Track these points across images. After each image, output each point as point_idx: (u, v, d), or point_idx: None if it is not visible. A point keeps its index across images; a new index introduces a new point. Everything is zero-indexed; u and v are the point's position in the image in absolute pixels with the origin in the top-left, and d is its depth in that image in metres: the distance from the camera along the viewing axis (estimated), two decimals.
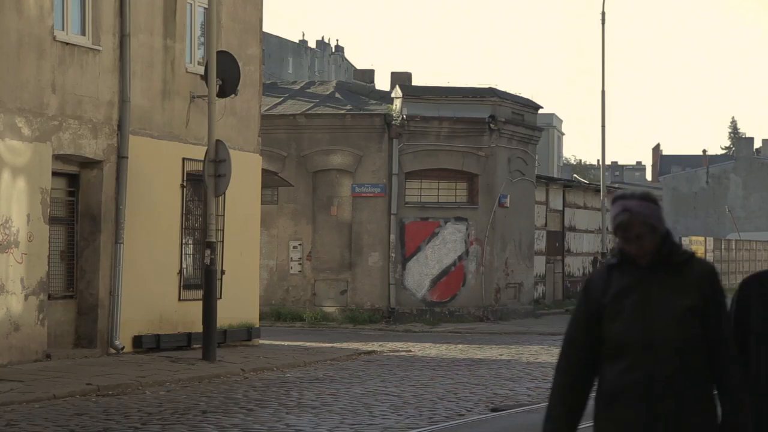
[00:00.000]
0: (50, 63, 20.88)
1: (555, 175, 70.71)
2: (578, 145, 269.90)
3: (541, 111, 39.85)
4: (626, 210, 5.56)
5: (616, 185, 70.89)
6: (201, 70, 23.72)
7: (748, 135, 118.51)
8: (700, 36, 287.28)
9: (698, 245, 59.86)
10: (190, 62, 24.56)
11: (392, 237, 34.57)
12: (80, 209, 22.19)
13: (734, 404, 5.60)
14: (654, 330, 5.51)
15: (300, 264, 35.15)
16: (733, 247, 65.76)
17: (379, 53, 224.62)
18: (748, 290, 6.85)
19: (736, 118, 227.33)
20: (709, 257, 60.72)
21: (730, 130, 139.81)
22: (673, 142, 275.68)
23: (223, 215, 24.78)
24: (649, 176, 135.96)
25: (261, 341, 26.39)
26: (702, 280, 5.59)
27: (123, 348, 22.02)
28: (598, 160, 53.24)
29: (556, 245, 43.45)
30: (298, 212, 35.13)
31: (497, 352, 26.26)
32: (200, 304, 22.02)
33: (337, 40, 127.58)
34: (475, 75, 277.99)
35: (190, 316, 23.33)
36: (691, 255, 5.66)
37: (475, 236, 35.08)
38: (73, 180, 22.18)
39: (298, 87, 38.59)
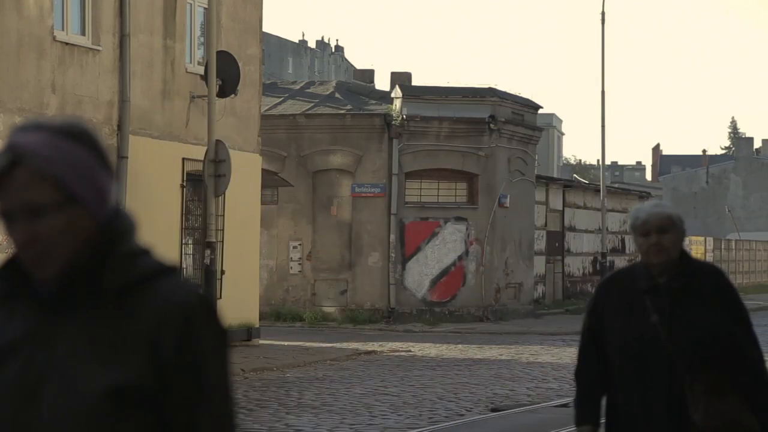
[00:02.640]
0: (50, 63, 20.88)
1: (555, 175, 70.73)
2: (578, 145, 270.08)
3: (541, 111, 39.84)
4: (12, 148, 2.60)
5: (616, 185, 70.91)
6: (201, 70, 23.73)
7: (748, 135, 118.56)
8: (700, 36, 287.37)
9: (698, 245, 59.90)
10: (190, 62, 24.56)
11: (392, 237, 34.57)
12: None
13: None
14: None
15: (300, 264, 35.15)
16: (733, 247, 65.77)
17: (379, 53, 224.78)
18: (604, 296, 5.79)
19: (736, 118, 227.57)
20: (709, 257, 60.76)
21: (730, 130, 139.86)
22: (673, 142, 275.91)
23: (223, 215, 24.79)
24: (649, 176, 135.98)
25: (261, 341, 26.39)
26: (163, 326, 2.61)
27: None
28: (598, 160, 53.30)
29: (556, 245, 43.44)
30: (298, 212, 35.12)
31: (497, 352, 26.26)
32: None
33: (337, 40, 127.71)
34: (475, 75, 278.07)
35: None
36: (155, 270, 2.69)
37: (475, 236, 35.08)
38: None
39: (298, 87, 38.59)
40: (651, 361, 5.58)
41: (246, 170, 25.32)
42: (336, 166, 34.96)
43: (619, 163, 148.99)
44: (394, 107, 35.08)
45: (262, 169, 27.75)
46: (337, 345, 26.95)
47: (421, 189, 35.20)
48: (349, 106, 35.65)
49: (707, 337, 5.56)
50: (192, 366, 2.62)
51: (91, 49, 21.91)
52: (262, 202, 28.31)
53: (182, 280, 2.75)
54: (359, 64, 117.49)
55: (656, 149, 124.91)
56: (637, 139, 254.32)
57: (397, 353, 25.83)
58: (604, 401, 5.78)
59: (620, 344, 5.65)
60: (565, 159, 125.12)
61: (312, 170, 35.09)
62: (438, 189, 35.38)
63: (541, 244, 41.40)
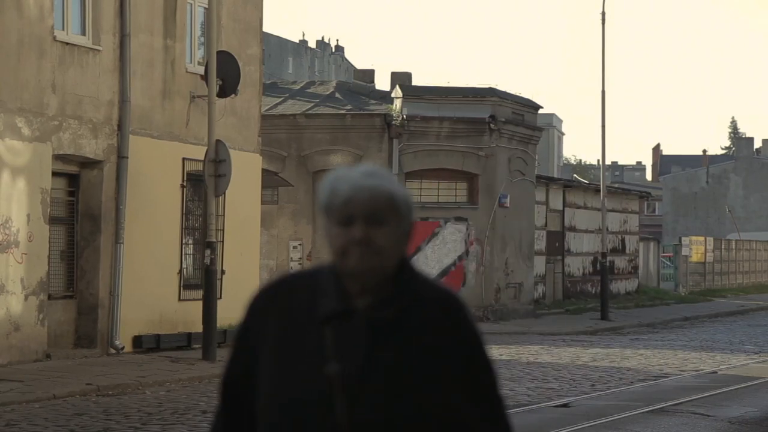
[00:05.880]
0: (50, 63, 20.88)
1: (555, 175, 70.71)
2: (578, 145, 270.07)
3: (541, 111, 39.84)
4: None
5: (616, 185, 70.92)
6: (201, 70, 23.72)
7: (748, 135, 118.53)
8: (700, 36, 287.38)
9: (698, 245, 59.88)
10: (190, 62, 24.56)
11: None
12: (80, 209, 22.20)
13: None
14: None
15: (300, 264, 35.14)
16: (733, 247, 65.73)
17: (379, 53, 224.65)
18: (259, 319, 3.51)
19: (736, 118, 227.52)
20: (709, 257, 60.74)
21: (730, 130, 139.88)
22: (673, 142, 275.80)
23: (223, 215, 24.78)
24: (649, 176, 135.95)
25: None
26: None
27: (123, 348, 22.02)
28: (598, 160, 53.33)
29: (556, 245, 43.45)
30: (298, 212, 35.13)
31: (497, 352, 26.25)
32: (200, 304, 22.01)
33: (337, 40, 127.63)
34: (475, 75, 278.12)
35: (190, 316, 23.33)
36: None
37: (475, 236, 35.08)
38: (73, 180, 22.19)
39: (298, 87, 38.60)
40: None
41: (246, 170, 25.32)
42: (336, 166, 34.94)
43: (619, 163, 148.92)
44: (394, 107, 35.09)
45: (262, 169, 27.75)
46: None
47: (421, 189, 35.19)
48: (349, 106, 35.66)
49: (419, 412, 3.24)
50: None
51: (91, 49, 21.91)
52: (262, 202, 28.31)
53: None
54: (359, 64, 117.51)
55: (656, 149, 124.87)
56: (637, 139, 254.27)
57: None
58: None
59: (269, 407, 3.30)
60: (565, 159, 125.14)
61: (312, 170, 35.09)
62: (438, 189, 35.38)
63: (541, 244, 41.40)
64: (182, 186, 24.11)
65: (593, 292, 44.65)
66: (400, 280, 3.34)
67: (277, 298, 3.51)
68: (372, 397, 3.22)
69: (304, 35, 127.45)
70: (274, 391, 3.29)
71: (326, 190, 3.37)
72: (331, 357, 3.24)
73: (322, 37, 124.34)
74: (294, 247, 35.23)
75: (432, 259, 34.81)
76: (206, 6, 23.50)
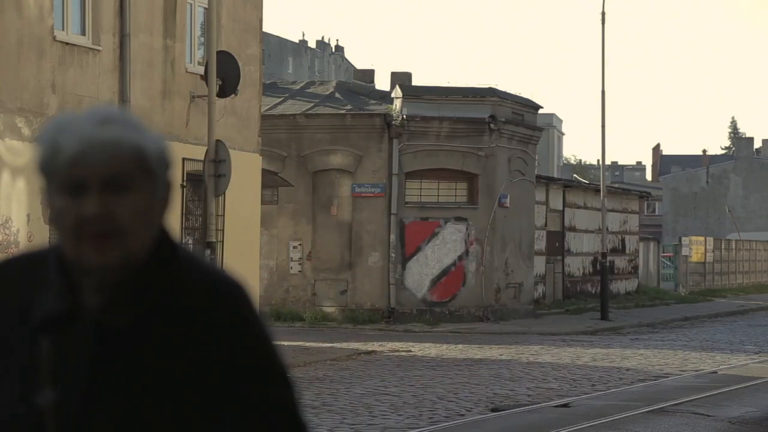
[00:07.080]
0: (50, 63, 20.88)
1: (555, 175, 70.69)
2: (578, 145, 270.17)
3: (541, 111, 39.84)
4: None
5: (616, 185, 70.91)
6: (201, 70, 23.73)
7: (748, 135, 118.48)
8: (700, 36, 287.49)
9: (698, 245, 59.87)
10: (190, 62, 24.56)
11: (392, 237, 34.56)
12: None
13: None
14: None
15: (300, 264, 35.15)
16: (733, 247, 65.71)
17: (379, 53, 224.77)
18: None
19: (736, 118, 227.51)
20: (709, 257, 60.72)
21: (730, 130, 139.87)
22: (673, 142, 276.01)
23: (223, 215, 24.77)
24: (649, 176, 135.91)
25: None
26: None
27: None
28: (598, 160, 53.29)
29: (556, 245, 43.44)
30: (298, 212, 35.12)
31: (497, 352, 26.26)
32: None
33: (337, 40, 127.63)
34: (475, 75, 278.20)
35: None
36: None
37: (475, 236, 35.07)
38: None
39: (298, 87, 38.59)
40: None
41: (246, 170, 25.32)
42: (336, 166, 34.96)
43: (619, 163, 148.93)
44: (394, 107, 35.09)
45: (262, 169, 27.74)
46: (337, 345, 26.94)
47: (421, 189, 35.19)
48: (349, 106, 35.65)
49: None
50: None
51: (91, 49, 21.90)
52: (262, 202, 28.31)
53: None
54: (359, 64, 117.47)
55: (656, 149, 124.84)
56: (637, 139, 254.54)
57: (397, 353, 25.82)
58: None
59: None
60: (565, 159, 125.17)
61: (312, 170, 35.09)
62: (438, 189, 35.38)
63: (541, 244, 41.40)
64: (182, 186, 24.10)
65: (593, 292, 44.65)
66: (153, 263, 2.43)
67: None
68: None
69: (304, 35, 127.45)
70: None
71: (45, 144, 2.32)
72: (47, 380, 2.31)
73: (322, 37, 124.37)
74: (294, 247, 35.23)
75: (432, 258, 34.81)
76: (206, 6, 23.50)
